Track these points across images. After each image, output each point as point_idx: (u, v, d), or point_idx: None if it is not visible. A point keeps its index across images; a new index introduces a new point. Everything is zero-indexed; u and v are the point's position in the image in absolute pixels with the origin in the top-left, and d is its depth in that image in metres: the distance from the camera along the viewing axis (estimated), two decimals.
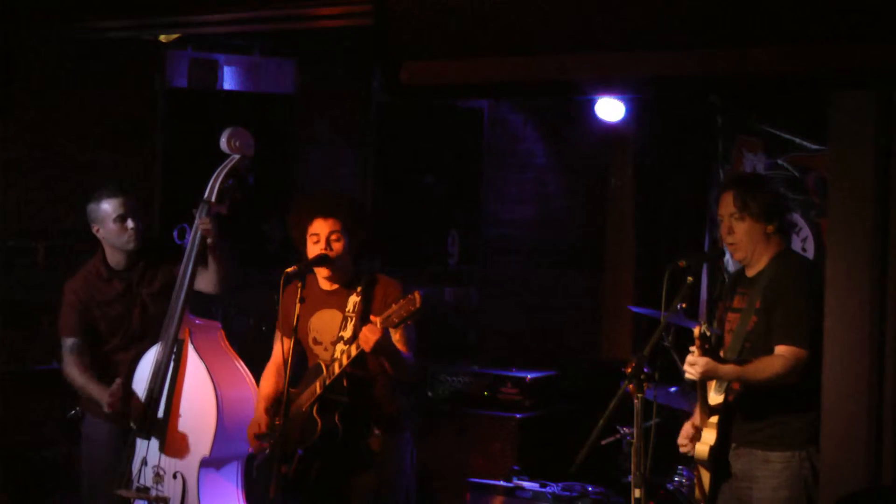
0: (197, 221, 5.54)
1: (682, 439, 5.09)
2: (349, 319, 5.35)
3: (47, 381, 6.51)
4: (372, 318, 5.13)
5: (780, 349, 4.86)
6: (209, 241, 5.54)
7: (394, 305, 5.03)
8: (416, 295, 4.98)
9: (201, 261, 5.60)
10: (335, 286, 5.43)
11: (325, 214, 5.36)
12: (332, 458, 5.33)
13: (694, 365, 4.79)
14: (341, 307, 5.38)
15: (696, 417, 5.09)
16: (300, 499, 5.42)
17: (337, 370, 5.21)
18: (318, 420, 5.26)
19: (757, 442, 4.95)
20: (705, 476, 5.03)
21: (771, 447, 4.94)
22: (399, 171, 8.11)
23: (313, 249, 5.36)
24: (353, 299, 5.36)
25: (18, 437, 6.65)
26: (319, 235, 5.35)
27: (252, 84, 7.66)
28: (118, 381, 5.55)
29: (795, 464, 4.92)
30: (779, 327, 4.89)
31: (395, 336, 5.23)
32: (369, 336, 5.07)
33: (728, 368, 4.84)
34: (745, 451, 4.97)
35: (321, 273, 5.41)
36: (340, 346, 5.33)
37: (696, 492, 5.11)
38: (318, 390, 5.28)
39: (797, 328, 4.84)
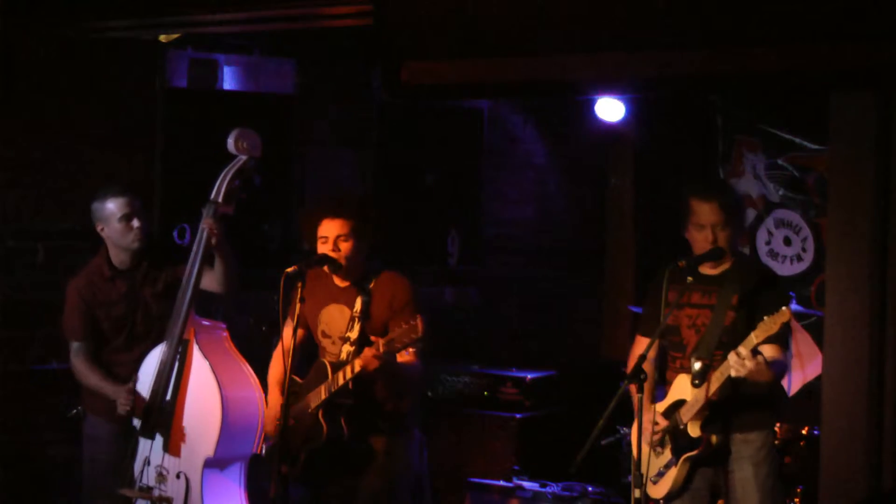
0: (203, 222, 5.54)
1: (655, 432, 5.12)
2: (355, 320, 5.36)
3: (47, 381, 6.51)
4: (373, 339, 5.13)
5: (769, 347, 4.94)
6: (214, 241, 5.53)
7: (397, 329, 5.02)
8: (419, 322, 4.96)
9: (207, 261, 5.60)
10: (346, 283, 5.43)
11: (333, 215, 5.35)
12: (337, 460, 5.34)
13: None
14: (350, 304, 5.39)
15: (657, 414, 5.13)
16: (306, 499, 5.43)
17: (341, 381, 5.22)
18: (324, 424, 5.28)
19: (735, 426, 5.08)
20: (682, 471, 5.06)
21: (749, 429, 5.09)
22: (399, 171, 8.11)
23: (321, 250, 5.36)
24: (361, 300, 5.36)
25: (18, 437, 6.64)
26: (328, 237, 5.35)
27: (252, 84, 7.65)
28: (131, 384, 5.57)
29: (770, 441, 5.13)
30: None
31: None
32: (372, 361, 5.08)
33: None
34: (722, 438, 5.07)
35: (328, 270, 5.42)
36: (347, 348, 5.34)
37: (664, 488, 5.12)
38: (324, 395, 5.28)
39: (782, 329, 4.90)
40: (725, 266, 5.14)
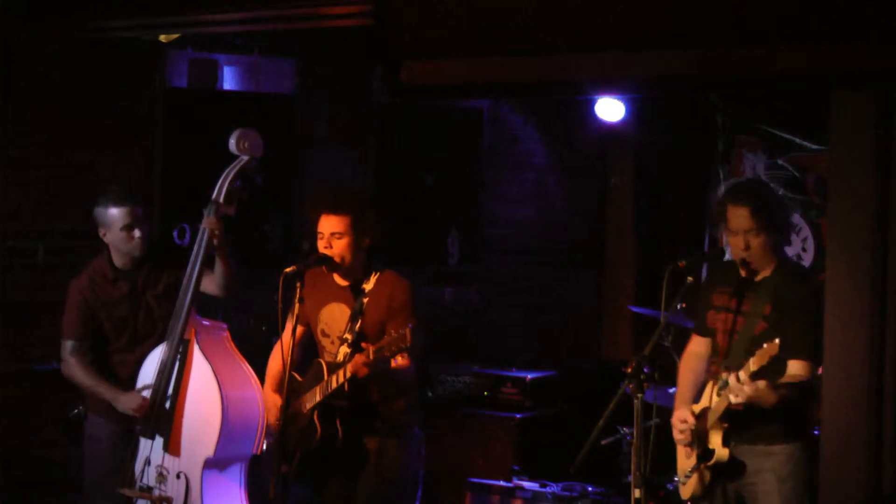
0: (204, 222, 5.53)
1: (681, 430, 5.08)
2: (354, 320, 5.36)
3: (47, 381, 6.51)
4: (364, 345, 5.16)
5: (796, 364, 4.86)
6: (215, 241, 5.53)
7: (387, 337, 5.03)
8: (408, 332, 4.96)
9: (207, 262, 5.60)
10: (346, 282, 5.42)
11: (330, 211, 5.34)
12: (331, 460, 5.34)
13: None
14: (350, 303, 5.39)
15: (686, 412, 5.09)
16: (306, 498, 5.43)
17: (335, 384, 5.22)
18: (318, 426, 5.28)
19: (758, 437, 4.97)
20: (702, 476, 5.02)
21: (773, 441, 4.96)
22: (399, 172, 8.11)
23: (318, 246, 5.36)
24: (359, 300, 5.36)
25: (18, 437, 6.65)
26: (323, 233, 5.35)
27: (252, 84, 7.66)
28: (142, 393, 5.57)
29: (798, 455, 4.96)
30: (796, 342, 4.86)
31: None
32: (362, 368, 5.10)
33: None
34: (746, 448, 4.98)
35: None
36: (343, 349, 5.33)
37: (688, 490, 5.10)
38: (318, 397, 5.29)
39: (815, 344, 4.86)
40: (766, 272, 5.00)
